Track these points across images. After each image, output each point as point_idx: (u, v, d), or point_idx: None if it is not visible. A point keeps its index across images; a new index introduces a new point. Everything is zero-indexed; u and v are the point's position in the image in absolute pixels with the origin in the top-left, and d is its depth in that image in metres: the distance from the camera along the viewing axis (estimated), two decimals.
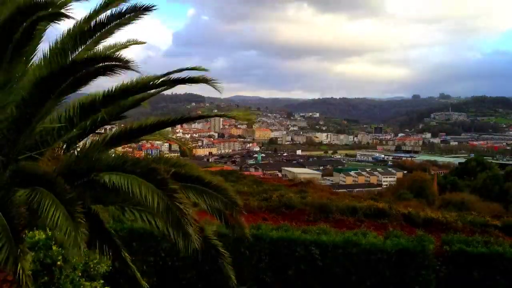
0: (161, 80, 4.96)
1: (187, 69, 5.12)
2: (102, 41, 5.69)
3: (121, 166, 4.63)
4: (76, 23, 5.53)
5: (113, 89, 5.06)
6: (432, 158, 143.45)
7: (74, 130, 5.35)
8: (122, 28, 5.58)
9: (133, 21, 5.48)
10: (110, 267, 7.25)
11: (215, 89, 5.18)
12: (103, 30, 5.38)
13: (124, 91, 5.05)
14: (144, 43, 6.78)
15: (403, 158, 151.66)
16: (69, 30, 5.51)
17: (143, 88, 5.09)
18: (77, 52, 5.33)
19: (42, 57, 5.37)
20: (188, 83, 5.09)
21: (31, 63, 5.69)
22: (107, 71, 4.55)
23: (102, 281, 7.05)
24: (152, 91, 5.80)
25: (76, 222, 4.05)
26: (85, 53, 5.30)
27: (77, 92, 5.26)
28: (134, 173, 4.51)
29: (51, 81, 4.57)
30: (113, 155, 5.22)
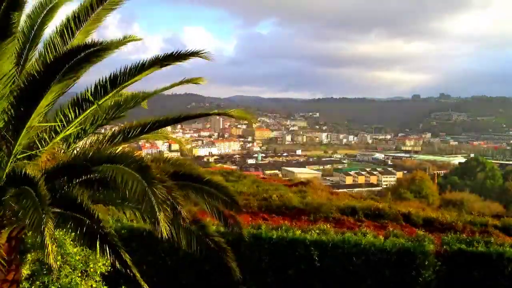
0: (148, 61, 4.92)
1: (186, 52, 4.98)
2: (92, 31, 5.70)
3: (111, 159, 4.63)
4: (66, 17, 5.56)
5: (103, 79, 5.04)
6: (432, 158, 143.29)
7: (71, 127, 5.33)
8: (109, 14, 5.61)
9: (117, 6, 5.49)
10: (110, 267, 7.25)
11: (206, 58, 4.98)
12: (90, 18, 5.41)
13: (114, 79, 5.03)
14: (141, 39, 6.67)
15: (403, 158, 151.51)
16: (57, 27, 5.53)
17: (131, 72, 5.04)
18: (67, 45, 5.35)
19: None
20: (178, 60, 4.98)
21: (30, 62, 5.72)
22: (92, 57, 4.54)
23: (100, 281, 7.05)
24: (153, 91, 5.79)
25: (47, 226, 4.03)
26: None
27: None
28: (119, 163, 4.50)
29: (42, 75, 4.56)
30: (106, 150, 5.19)
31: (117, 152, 4.80)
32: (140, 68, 4.98)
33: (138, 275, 5.61)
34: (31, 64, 5.52)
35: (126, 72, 5.00)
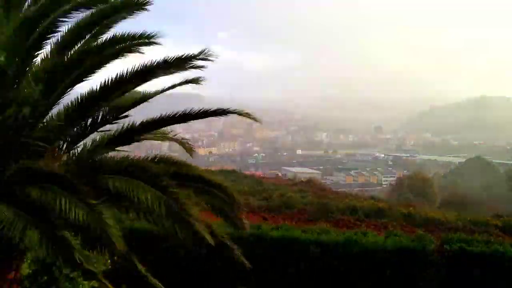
0: (156, 63, 4.93)
1: (189, 56, 5.04)
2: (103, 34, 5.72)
3: (123, 170, 4.64)
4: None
5: (110, 80, 5.05)
6: (432, 157, 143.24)
7: (74, 126, 5.35)
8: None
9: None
10: (110, 267, 7.27)
11: (211, 60, 5.08)
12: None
13: (120, 81, 5.03)
14: (150, 45, 6.68)
15: (403, 158, 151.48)
16: (70, 28, 5.54)
17: (138, 75, 5.05)
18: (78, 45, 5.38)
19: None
20: (185, 67, 5.07)
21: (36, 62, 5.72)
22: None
23: (101, 280, 7.06)
24: (153, 91, 5.79)
25: (101, 217, 4.07)
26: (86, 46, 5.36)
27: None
28: (135, 177, 4.52)
29: (49, 78, 4.59)
30: (115, 157, 5.19)
31: (124, 159, 4.81)
32: (148, 71, 5.00)
33: (149, 276, 5.62)
34: (37, 65, 5.51)
35: (132, 75, 5.00)
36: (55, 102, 5.06)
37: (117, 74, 5.00)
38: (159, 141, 7.16)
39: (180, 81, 5.68)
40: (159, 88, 5.86)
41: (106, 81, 5.06)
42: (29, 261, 6.49)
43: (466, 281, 8.83)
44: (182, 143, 6.71)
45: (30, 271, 6.53)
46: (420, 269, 8.82)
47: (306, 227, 10.18)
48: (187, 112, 5.70)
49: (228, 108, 5.70)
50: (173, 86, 5.77)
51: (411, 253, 8.88)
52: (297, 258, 9.20)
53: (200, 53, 4.99)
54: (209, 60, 5.08)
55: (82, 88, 5.34)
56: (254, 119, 5.76)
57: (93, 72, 5.02)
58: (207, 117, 5.80)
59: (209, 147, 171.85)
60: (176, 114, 5.70)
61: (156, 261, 9.45)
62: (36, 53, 5.11)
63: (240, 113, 5.66)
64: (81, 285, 6.60)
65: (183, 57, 5.01)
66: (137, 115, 6.20)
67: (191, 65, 5.09)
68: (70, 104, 5.29)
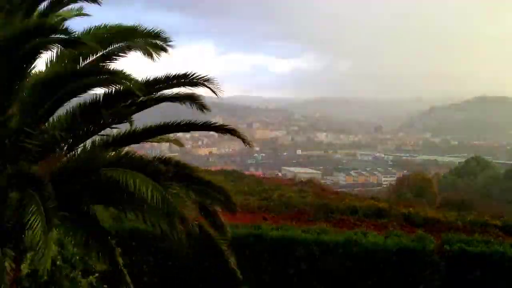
0: (159, 82, 5.01)
1: (188, 76, 5.21)
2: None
3: (118, 161, 4.64)
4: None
5: (113, 91, 5.11)
6: (432, 158, 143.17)
7: (76, 129, 5.36)
8: None
9: None
10: (110, 267, 7.26)
11: (214, 92, 5.53)
12: None
13: (124, 94, 5.08)
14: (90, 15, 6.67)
15: (403, 158, 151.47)
16: None
17: (144, 87, 5.09)
18: None
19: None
20: (188, 85, 5.20)
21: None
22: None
23: (99, 280, 7.08)
24: (154, 98, 5.85)
25: (48, 229, 4.05)
26: None
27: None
28: (129, 167, 4.51)
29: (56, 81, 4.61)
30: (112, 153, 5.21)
31: (123, 154, 4.81)
32: (152, 85, 5.05)
33: (128, 278, 5.66)
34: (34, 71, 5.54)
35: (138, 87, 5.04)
36: (53, 108, 5.09)
37: (122, 87, 5.06)
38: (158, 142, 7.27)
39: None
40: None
41: (110, 91, 5.13)
42: (29, 261, 6.49)
43: (466, 281, 8.84)
44: (175, 141, 6.91)
45: (30, 271, 6.53)
46: (420, 269, 8.83)
47: (306, 227, 10.18)
48: (191, 122, 5.85)
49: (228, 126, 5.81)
50: (176, 96, 5.86)
51: (411, 253, 8.89)
52: (297, 258, 9.20)
53: (192, 75, 5.27)
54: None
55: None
56: (244, 140, 5.98)
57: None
58: (209, 131, 5.96)
59: (209, 147, 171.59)
60: (179, 123, 5.83)
61: (156, 262, 9.47)
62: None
63: (234, 134, 5.80)
64: (79, 282, 6.62)
65: (188, 75, 5.19)
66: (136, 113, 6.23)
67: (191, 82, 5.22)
68: (73, 110, 5.34)
